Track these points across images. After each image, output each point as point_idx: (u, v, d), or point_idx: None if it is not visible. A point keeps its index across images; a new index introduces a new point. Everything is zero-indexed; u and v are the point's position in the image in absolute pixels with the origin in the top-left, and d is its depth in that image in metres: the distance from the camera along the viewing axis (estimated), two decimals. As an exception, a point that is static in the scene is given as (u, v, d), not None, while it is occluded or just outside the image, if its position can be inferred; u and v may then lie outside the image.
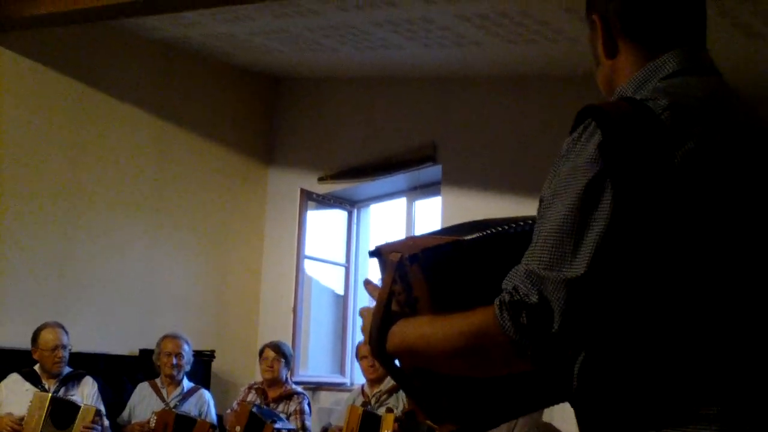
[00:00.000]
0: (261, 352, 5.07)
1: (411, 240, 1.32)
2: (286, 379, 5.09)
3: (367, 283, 1.38)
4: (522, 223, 1.27)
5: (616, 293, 1.07)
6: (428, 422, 1.35)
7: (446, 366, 1.20)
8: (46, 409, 4.28)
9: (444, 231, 1.41)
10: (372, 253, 1.36)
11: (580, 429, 1.22)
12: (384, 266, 1.31)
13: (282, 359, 4.97)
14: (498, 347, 1.10)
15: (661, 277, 1.08)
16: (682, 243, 1.08)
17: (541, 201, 1.16)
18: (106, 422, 4.63)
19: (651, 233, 1.06)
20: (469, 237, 1.24)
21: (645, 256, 1.07)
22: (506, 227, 1.27)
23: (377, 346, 1.27)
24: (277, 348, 5.01)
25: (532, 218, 1.23)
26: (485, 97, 5.36)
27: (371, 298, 1.35)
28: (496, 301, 1.09)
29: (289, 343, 5.83)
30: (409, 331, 1.23)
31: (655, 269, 1.08)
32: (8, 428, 4.27)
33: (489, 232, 1.26)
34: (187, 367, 5.00)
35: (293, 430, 4.75)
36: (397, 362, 1.30)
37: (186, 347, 4.99)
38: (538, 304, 1.06)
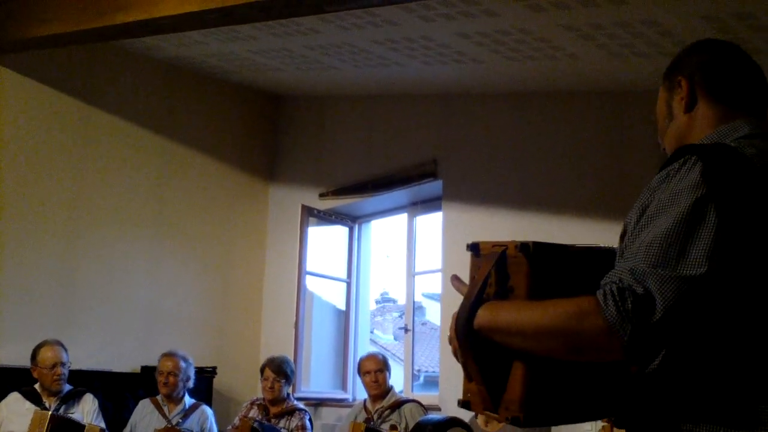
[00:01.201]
0: (262, 371, 5.03)
1: (509, 241, 1.42)
2: (288, 395, 5.08)
3: (455, 278, 1.50)
4: (601, 246, 1.46)
5: (715, 299, 1.19)
6: (486, 413, 1.39)
7: (537, 343, 1.27)
8: (46, 427, 4.26)
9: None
10: (470, 247, 1.47)
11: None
12: (479, 259, 1.43)
13: (282, 379, 4.93)
14: (595, 329, 1.19)
15: (753, 292, 1.22)
16: None
17: (624, 228, 1.31)
18: None
19: (749, 251, 1.21)
20: (576, 246, 1.41)
21: (742, 270, 1.20)
22: (599, 246, 1.45)
23: (465, 323, 1.35)
24: (277, 368, 4.93)
25: (600, 245, 1.44)
26: (485, 113, 5.40)
27: (458, 293, 1.44)
28: (599, 291, 1.21)
29: (291, 359, 5.83)
30: (505, 308, 1.33)
31: (750, 283, 1.21)
32: None
33: (590, 246, 1.43)
34: (189, 384, 4.98)
35: None
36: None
37: (183, 364, 4.95)
38: (644, 294, 1.17)
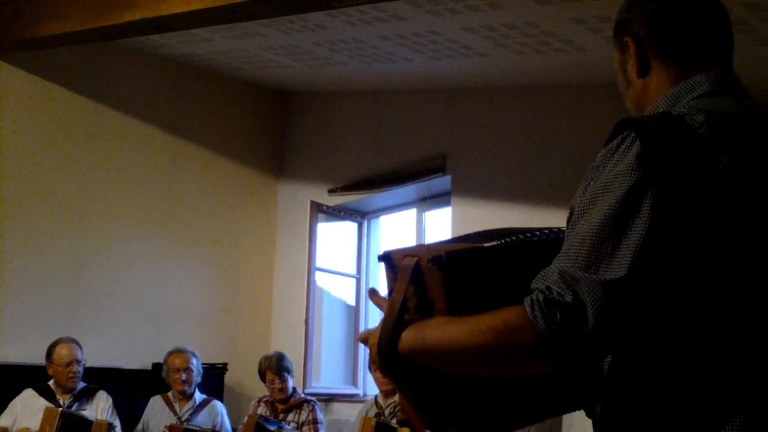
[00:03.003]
0: (263, 376, 5.01)
1: (424, 246, 1.32)
2: (294, 389, 5.07)
3: (373, 293, 1.39)
4: (539, 233, 1.30)
5: (650, 298, 1.09)
6: None
7: (466, 365, 1.19)
8: (56, 424, 4.28)
9: (456, 239, 1.42)
10: (381, 258, 1.36)
11: None
12: (394, 271, 1.32)
13: (285, 374, 4.92)
14: (525, 345, 1.10)
15: (695, 286, 1.10)
16: (716, 253, 1.11)
17: (571, 210, 1.18)
18: None
19: (688, 242, 1.09)
20: (489, 244, 1.27)
21: (681, 263, 1.09)
22: (526, 235, 1.30)
23: (387, 349, 1.25)
24: (277, 369, 4.89)
25: (549, 229, 1.28)
26: (494, 107, 5.38)
27: (378, 308, 1.35)
28: (527, 300, 1.10)
29: (302, 355, 5.84)
30: (428, 330, 1.21)
31: (690, 277, 1.10)
32: None
33: (509, 239, 1.29)
34: (198, 379, 5.00)
35: None
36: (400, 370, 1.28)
37: (194, 361, 4.97)
38: (573, 303, 1.07)
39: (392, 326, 1.25)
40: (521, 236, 1.29)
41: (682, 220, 1.09)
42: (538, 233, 1.30)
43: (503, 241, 1.28)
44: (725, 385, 1.10)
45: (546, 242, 1.26)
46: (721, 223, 1.10)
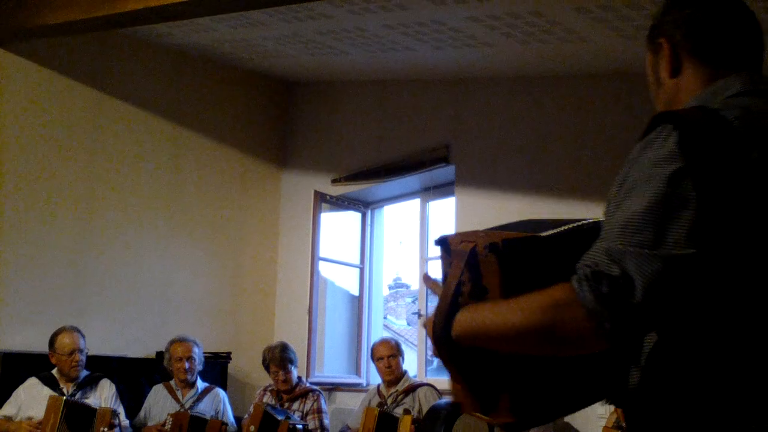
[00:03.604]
0: (267, 367, 5.02)
1: (480, 232, 1.33)
2: (299, 378, 5.10)
3: (427, 278, 1.41)
4: (586, 222, 1.33)
5: (695, 279, 1.11)
6: (477, 415, 1.32)
7: (518, 344, 1.20)
8: (60, 412, 4.30)
9: (502, 227, 1.41)
10: (438, 242, 1.37)
11: (629, 424, 1.24)
12: (450, 255, 1.33)
13: (289, 365, 4.94)
14: (574, 320, 1.11)
15: (736, 269, 1.13)
16: (750, 239, 1.14)
17: (609, 202, 1.20)
18: (126, 422, 4.66)
19: (728, 226, 1.12)
20: (546, 233, 1.29)
21: (724, 246, 1.12)
22: (576, 224, 1.32)
23: (442, 332, 1.26)
24: (281, 362, 4.91)
25: (585, 220, 1.31)
26: (497, 97, 5.37)
27: (433, 292, 1.36)
28: (574, 277, 1.13)
29: (305, 344, 5.86)
30: (481, 312, 1.24)
31: (731, 260, 1.13)
32: (28, 430, 4.30)
33: (565, 228, 1.31)
34: (200, 368, 5.02)
35: (306, 426, 4.77)
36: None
37: (196, 349, 4.99)
38: (620, 276, 1.09)
39: (446, 309, 1.27)
40: (573, 225, 1.32)
41: (722, 205, 1.12)
42: (585, 222, 1.33)
43: (559, 230, 1.30)
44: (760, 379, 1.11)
45: (596, 230, 1.27)
46: (751, 212, 1.14)
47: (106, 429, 4.34)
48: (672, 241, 1.09)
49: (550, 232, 1.30)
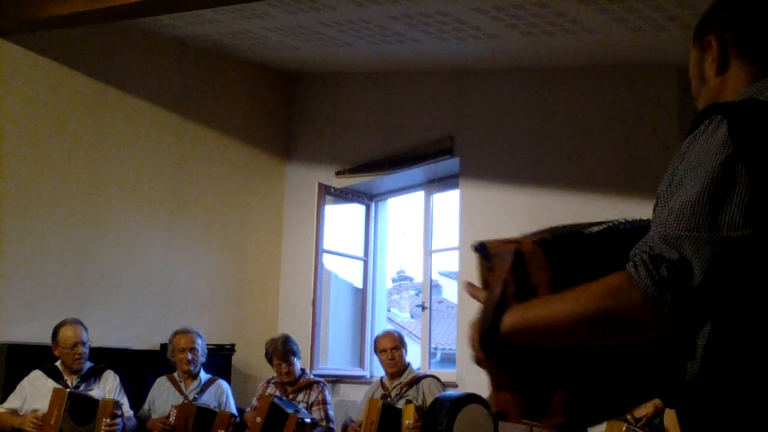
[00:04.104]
0: (270, 360, 5.03)
1: (521, 236, 1.32)
2: (303, 370, 5.10)
3: (469, 285, 1.40)
4: (621, 221, 1.33)
5: (753, 260, 1.11)
6: (525, 421, 1.29)
7: (574, 335, 1.18)
8: (64, 404, 4.32)
9: (547, 231, 1.39)
10: (476, 248, 1.37)
11: (682, 423, 1.22)
12: (489, 260, 1.33)
13: (291, 357, 4.94)
14: (632, 305, 1.11)
15: None
16: None
17: (658, 198, 1.21)
18: (130, 413, 4.67)
19: None
20: (589, 231, 1.29)
21: None
22: (624, 222, 1.32)
23: (490, 333, 1.25)
24: (284, 355, 4.92)
25: (622, 220, 1.31)
26: (502, 89, 5.35)
27: (475, 299, 1.35)
28: (629, 264, 1.13)
29: (309, 337, 5.86)
30: (534, 306, 1.23)
31: None
32: (32, 425, 4.31)
33: (606, 226, 1.30)
34: (203, 359, 5.03)
35: (315, 419, 4.77)
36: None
37: (199, 341, 5.00)
38: (679, 259, 1.09)
39: (493, 310, 1.26)
40: (611, 223, 1.32)
41: None
42: (623, 221, 1.33)
43: (601, 228, 1.30)
44: None
45: (635, 230, 1.28)
46: None
47: (108, 420, 4.35)
48: (728, 223, 1.10)
49: (593, 229, 1.29)
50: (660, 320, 1.10)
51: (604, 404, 1.28)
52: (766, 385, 1.12)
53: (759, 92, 1.28)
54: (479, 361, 1.30)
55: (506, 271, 1.27)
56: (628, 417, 3.67)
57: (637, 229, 1.27)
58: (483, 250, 1.35)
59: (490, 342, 1.25)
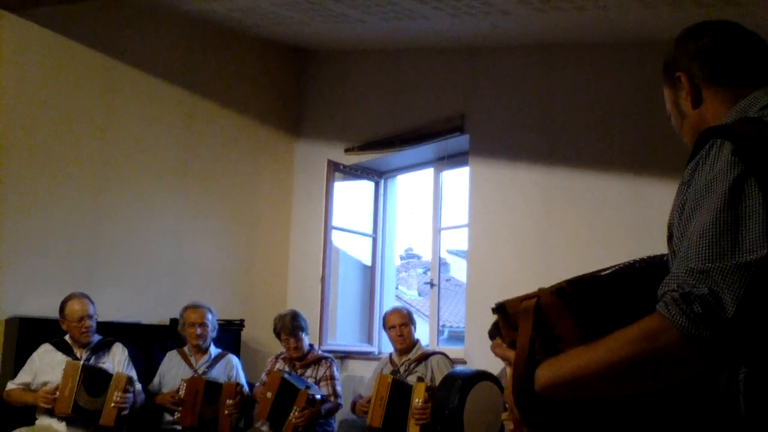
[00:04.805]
0: (278, 335, 5.05)
1: (535, 291, 1.31)
2: (311, 346, 5.12)
3: (497, 346, 1.39)
4: (636, 261, 1.32)
5: None
6: None
7: (613, 383, 1.16)
8: (78, 377, 4.36)
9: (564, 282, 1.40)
10: (495, 310, 1.37)
11: None
12: (509, 320, 1.33)
13: (300, 332, 4.96)
14: (670, 346, 1.09)
15: None
16: None
17: (670, 230, 1.20)
18: (139, 387, 4.71)
19: None
20: (605, 272, 1.28)
21: None
22: (631, 262, 1.30)
23: (524, 390, 1.24)
24: (292, 330, 4.93)
25: (638, 259, 1.29)
26: (513, 66, 5.31)
27: (504, 360, 1.34)
28: (659, 305, 1.11)
29: (318, 313, 5.88)
30: (566, 358, 1.21)
31: None
32: (45, 398, 4.36)
33: (621, 266, 1.29)
34: (213, 334, 5.06)
35: (325, 396, 4.80)
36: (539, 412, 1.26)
37: (209, 316, 5.03)
38: (709, 293, 1.07)
39: (524, 368, 1.25)
40: (625, 263, 1.30)
41: None
42: (637, 261, 1.31)
43: (617, 267, 1.28)
44: None
45: (650, 267, 1.27)
46: None
47: (120, 394, 4.39)
48: (750, 246, 1.08)
49: (608, 270, 1.28)
50: (700, 356, 1.08)
51: None
52: None
53: (746, 110, 1.28)
54: (519, 424, 1.29)
55: (530, 328, 1.26)
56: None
57: (652, 266, 1.26)
58: (503, 311, 1.35)
59: (525, 400, 1.24)
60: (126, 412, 4.44)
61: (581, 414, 1.24)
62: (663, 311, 1.10)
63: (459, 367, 4.67)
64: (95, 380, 4.41)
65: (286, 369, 4.99)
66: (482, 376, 4.11)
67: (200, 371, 4.93)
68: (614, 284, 1.27)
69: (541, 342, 1.26)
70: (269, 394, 4.64)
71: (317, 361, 5.02)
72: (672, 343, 1.09)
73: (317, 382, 4.90)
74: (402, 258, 18.40)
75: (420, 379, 4.56)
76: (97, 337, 4.72)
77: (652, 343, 1.10)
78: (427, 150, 5.86)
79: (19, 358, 4.68)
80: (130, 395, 4.45)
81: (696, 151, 1.20)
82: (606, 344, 1.15)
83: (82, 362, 4.46)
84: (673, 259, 1.19)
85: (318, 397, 4.67)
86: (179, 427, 4.74)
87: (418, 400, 4.36)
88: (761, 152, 1.12)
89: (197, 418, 4.69)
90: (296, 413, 4.56)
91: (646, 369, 1.12)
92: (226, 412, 4.72)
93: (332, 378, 4.94)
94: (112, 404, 4.37)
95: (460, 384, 3.98)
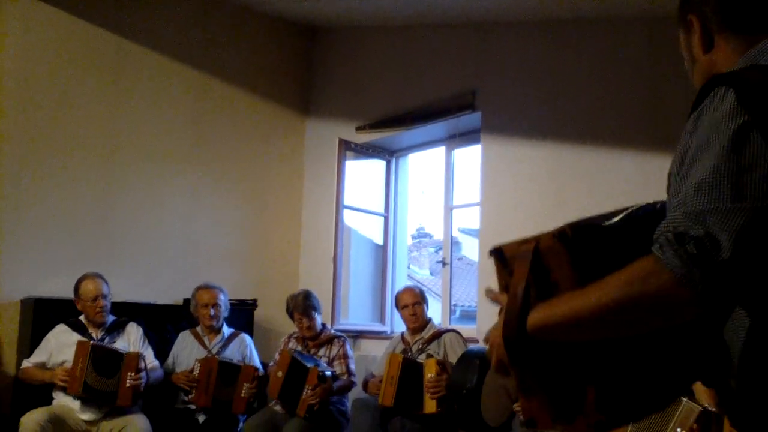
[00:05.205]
0: (291, 315, 5.06)
1: (535, 235, 1.29)
2: (323, 325, 5.13)
3: (489, 292, 1.38)
4: (637, 207, 1.30)
5: None
6: (558, 427, 1.27)
7: (605, 325, 1.15)
8: (88, 356, 4.38)
9: (565, 226, 1.36)
10: (492, 252, 1.35)
11: (729, 414, 1.19)
12: (505, 264, 1.32)
13: (312, 312, 4.97)
14: (663, 288, 1.07)
15: None
16: None
17: (669, 175, 1.17)
18: (156, 362, 4.74)
19: None
20: (607, 223, 1.25)
21: None
22: (632, 209, 1.28)
23: (515, 333, 1.23)
24: (305, 310, 4.94)
25: (640, 205, 1.27)
26: (524, 42, 5.25)
27: (497, 303, 1.33)
28: (654, 246, 1.09)
29: (330, 292, 5.89)
30: (560, 302, 1.20)
31: None
32: (62, 377, 4.39)
33: (623, 216, 1.27)
34: (226, 314, 5.07)
35: (334, 372, 4.81)
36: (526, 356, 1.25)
37: (222, 296, 5.04)
38: (705, 235, 1.05)
39: (518, 311, 1.23)
40: (627, 211, 1.28)
41: None
42: (637, 206, 1.29)
43: (618, 218, 1.26)
44: None
45: (654, 213, 1.25)
46: None
47: (133, 374, 4.42)
48: (751, 195, 1.05)
49: (612, 220, 1.26)
50: (693, 300, 1.06)
51: (639, 398, 1.25)
52: None
53: (757, 58, 1.24)
54: (501, 367, 1.28)
55: (526, 272, 1.24)
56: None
57: (654, 213, 1.24)
58: (500, 254, 1.33)
59: (515, 345, 1.23)
60: (141, 389, 4.46)
61: (567, 359, 1.22)
62: (657, 252, 1.08)
63: (475, 346, 4.66)
64: (106, 360, 4.43)
65: (299, 348, 5.00)
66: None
67: (213, 351, 4.95)
68: (618, 233, 1.24)
69: (536, 287, 1.24)
70: (280, 374, 4.66)
71: (330, 340, 5.02)
72: (664, 285, 1.06)
73: (330, 362, 4.91)
74: (413, 237, 18.39)
75: (429, 356, 4.57)
76: (111, 318, 4.74)
77: (644, 285, 1.08)
78: (438, 128, 5.82)
79: (35, 339, 4.71)
80: (143, 373, 4.47)
81: (700, 98, 1.17)
82: (600, 286, 1.13)
83: (91, 342, 4.48)
84: (671, 208, 1.16)
85: (328, 373, 4.68)
86: (194, 407, 4.77)
87: (430, 374, 4.36)
88: (766, 101, 1.09)
89: (211, 399, 4.71)
90: (309, 391, 4.57)
91: (638, 312, 1.10)
92: (243, 394, 4.74)
93: (345, 356, 4.95)
94: (128, 384, 4.39)
95: (479, 363, 3.97)
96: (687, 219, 1.08)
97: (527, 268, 1.25)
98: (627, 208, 1.30)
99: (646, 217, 1.25)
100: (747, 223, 1.05)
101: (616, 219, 1.27)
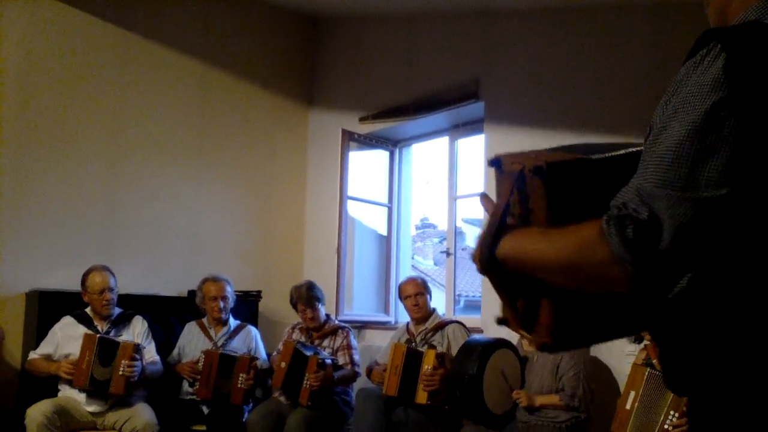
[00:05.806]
0: (294, 305, 5.07)
1: (533, 153, 1.31)
2: (327, 316, 5.14)
3: (484, 197, 1.40)
4: (634, 147, 1.30)
5: (728, 220, 1.04)
6: (520, 332, 1.34)
7: (552, 277, 1.19)
8: (95, 349, 4.39)
9: (561, 149, 1.38)
10: (492, 162, 1.38)
11: (665, 367, 1.19)
12: (502, 175, 1.34)
13: (316, 303, 4.97)
14: (600, 261, 1.08)
15: None
16: None
17: (650, 127, 1.14)
18: (156, 357, 4.74)
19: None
20: (596, 156, 1.26)
21: (761, 185, 1.04)
22: (632, 149, 1.28)
23: (488, 251, 1.27)
24: (308, 301, 4.94)
25: (639, 145, 1.24)
26: (528, 32, 5.23)
27: (485, 211, 1.37)
28: (605, 216, 1.09)
29: (334, 283, 5.89)
30: (523, 240, 1.24)
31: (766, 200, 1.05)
32: (67, 369, 4.40)
33: (617, 153, 1.28)
34: (232, 305, 5.08)
35: (335, 360, 4.83)
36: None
37: (229, 288, 5.05)
38: (648, 220, 1.04)
39: (494, 229, 1.28)
40: (627, 150, 1.29)
41: (764, 142, 1.03)
42: (632, 149, 1.29)
43: (611, 155, 1.27)
44: None
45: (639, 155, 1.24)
46: None
47: (126, 362, 4.41)
48: (705, 181, 1.03)
49: (601, 155, 1.26)
50: (625, 279, 1.06)
51: (586, 331, 1.31)
52: (738, 334, 1.07)
53: (763, 11, 1.15)
54: (482, 270, 1.32)
55: (508, 194, 1.28)
56: (654, 362, 3.66)
57: (638, 154, 1.20)
58: (497, 164, 1.36)
59: (487, 261, 1.28)
60: (135, 379, 4.44)
61: (530, 284, 1.26)
62: (604, 225, 1.07)
63: (477, 335, 4.67)
64: (109, 351, 4.44)
65: (302, 339, 5.01)
66: (501, 343, 4.11)
67: (219, 343, 4.95)
68: (599, 169, 1.25)
69: (520, 206, 1.28)
70: (283, 364, 4.67)
71: (334, 331, 5.03)
72: (603, 259, 1.07)
73: (334, 352, 4.91)
74: (417, 228, 18.39)
75: (431, 347, 4.57)
76: (117, 311, 4.74)
77: (585, 254, 1.10)
78: (441, 118, 5.81)
79: (40, 332, 4.73)
80: (137, 362, 4.46)
81: (695, 49, 1.11)
82: (553, 238, 1.16)
83: (98, 335, 4.49)
84: (639, 168, 1.13)
85: (328, 361, 4.70)
86: (197, 398, 4.78)
87: (427, 366, 4.37)
88: (752, 78, 1.03)
89: (211, 391, 4.72)
90: (309, 377, 4.58)
91: (576, 276, 1.13)
92: (240, 384, 4.74)
93: (350, 347, 4.96)
94: (120, 372, 4.39)
95: (480, 351, 3.98)
96: (638, 196, 1.06)
97: (509, 190, 1.28)
98: (632, 145, 1.30)
99: (632, 155, 1.24)
100: (693, 214, 1.03)
101: (609, 155, 1.27)
